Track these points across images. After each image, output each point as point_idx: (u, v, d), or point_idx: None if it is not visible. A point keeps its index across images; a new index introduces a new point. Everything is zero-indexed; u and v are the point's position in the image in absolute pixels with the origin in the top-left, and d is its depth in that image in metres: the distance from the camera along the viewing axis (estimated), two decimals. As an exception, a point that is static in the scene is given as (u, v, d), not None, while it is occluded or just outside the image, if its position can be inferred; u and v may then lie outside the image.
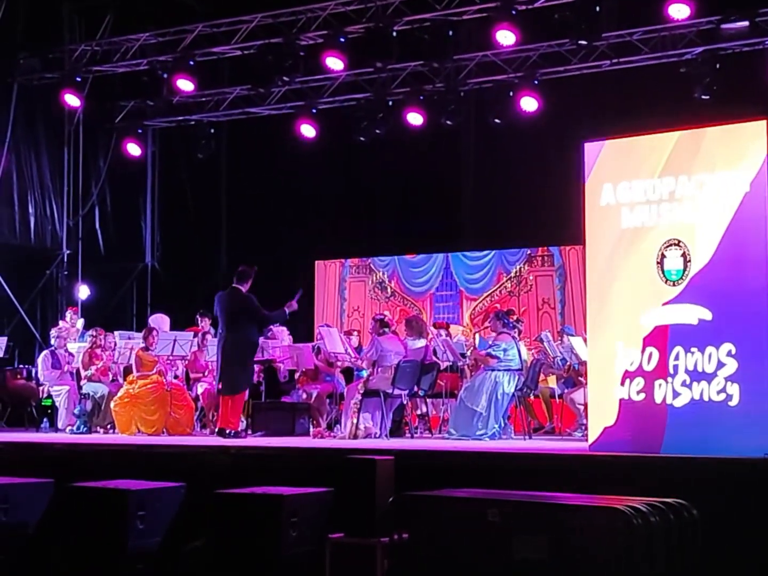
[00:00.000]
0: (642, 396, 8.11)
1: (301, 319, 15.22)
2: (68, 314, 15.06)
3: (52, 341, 13.79)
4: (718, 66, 13.72)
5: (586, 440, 8.87)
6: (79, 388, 13.08)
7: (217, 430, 11.61)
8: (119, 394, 12.54)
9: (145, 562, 8.06)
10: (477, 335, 13.62)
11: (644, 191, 8.22)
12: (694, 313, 7.93)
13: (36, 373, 14.05)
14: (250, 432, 12.05)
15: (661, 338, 8.05)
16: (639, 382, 8.12)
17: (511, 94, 15.06)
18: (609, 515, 5.96)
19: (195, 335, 13.25)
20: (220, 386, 11.62)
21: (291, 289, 17.45)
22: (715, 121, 8.18)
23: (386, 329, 11.89)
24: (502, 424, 11.35)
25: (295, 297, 11.90)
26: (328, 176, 17.31)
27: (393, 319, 15.04)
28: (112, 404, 12.52)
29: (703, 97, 13.68)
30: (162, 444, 10.80)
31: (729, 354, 7.75)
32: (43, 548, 8.55)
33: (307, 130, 16.53)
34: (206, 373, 13.07)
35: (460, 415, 11.29)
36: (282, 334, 13.46)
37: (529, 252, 17.07)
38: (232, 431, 11.35)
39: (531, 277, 17.03)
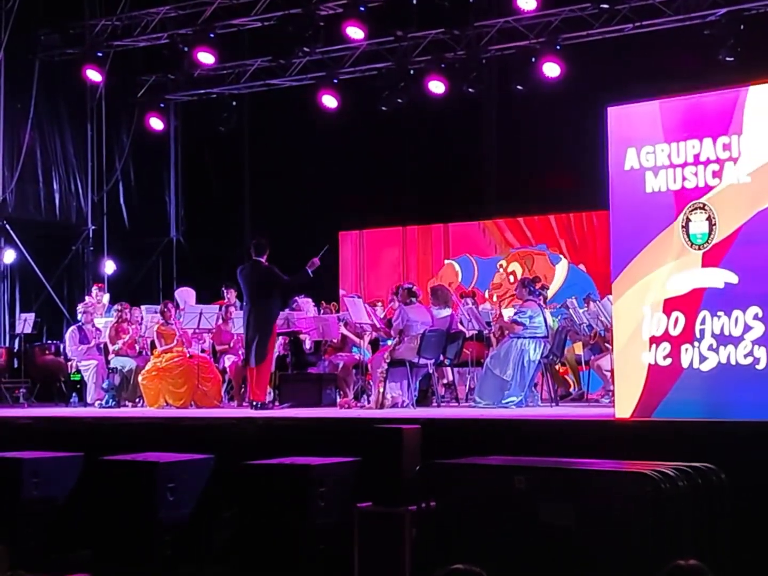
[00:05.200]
0: (668, 361, 8.06)
1: (326, 290, 15.22)
2: (94, 290, 15.13)
3: (79, 317, 13.87)
4: (742, 27, 13.54)
5: (613, 406, 8.84)
6: (107, 362, 13.16)
7: (249, 403, 11.72)
8: (147, 367, 12.62)
9: (175, 533, 8.13)
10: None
11: (668, 155, 8.15)
12: (720, 277, 7.87)
13: (64, 348, 14.14)
14: (277, 403, 12.09)
15: (687, 302, 7.99)
16: (665, 347, 8.07)
17: (533, 60, 14.93)
18: (636, 480, 5.95)
19: (220, 308, 13.29)
20: (248, 358, 11.68)
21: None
22: (740, 83, 8.08)
23: (413, 299, 11.82)
24: (529, 392, 11.34)
25: (319, 254, 11.77)
26: (350, 146, 17.24)
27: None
28: (140, 378, 12.60)
29: (728, 59, 13.50)
30: (190, 416, 10.85)
31: (756, 317, 7.69)
32: (73, 521, 8.63)
33: (329, 101, 16.49)
34: (232, 345, 13.11)
35: (486, 384, 11.28)
36: (307, 305, 13.46)
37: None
38: (259, 403, 11.41)
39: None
